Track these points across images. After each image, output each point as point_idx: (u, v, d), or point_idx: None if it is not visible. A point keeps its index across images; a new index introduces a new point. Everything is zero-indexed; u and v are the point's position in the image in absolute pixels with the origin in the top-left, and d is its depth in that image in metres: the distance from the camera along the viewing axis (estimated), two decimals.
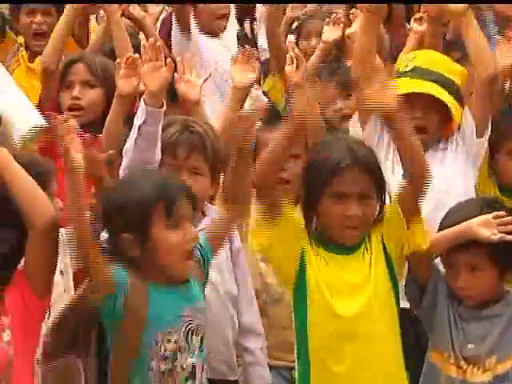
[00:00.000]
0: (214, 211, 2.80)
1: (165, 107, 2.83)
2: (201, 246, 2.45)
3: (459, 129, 3.21)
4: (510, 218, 2.51)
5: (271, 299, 3.00)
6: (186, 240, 2.35)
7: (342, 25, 4.10)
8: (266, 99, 4.54)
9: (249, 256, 2.97)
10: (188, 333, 2.37)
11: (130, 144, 2.82)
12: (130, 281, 2.32)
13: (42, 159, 2.63)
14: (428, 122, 3.13)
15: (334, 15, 4.26)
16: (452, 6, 3.20)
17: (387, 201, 2.62)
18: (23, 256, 2.27)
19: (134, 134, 2.80)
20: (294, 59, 3.42)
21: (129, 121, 3.16)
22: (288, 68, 3.44)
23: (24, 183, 2.26)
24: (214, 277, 2.69)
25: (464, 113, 3.19)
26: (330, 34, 4.08)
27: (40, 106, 3.63)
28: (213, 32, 4.55)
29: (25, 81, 4.09)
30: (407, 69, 3.14)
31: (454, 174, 3.12)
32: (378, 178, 2.56)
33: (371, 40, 3.15)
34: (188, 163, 2.76)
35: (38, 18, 4.32)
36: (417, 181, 2.58)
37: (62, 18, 3.97)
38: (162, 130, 2.80)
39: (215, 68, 4.16)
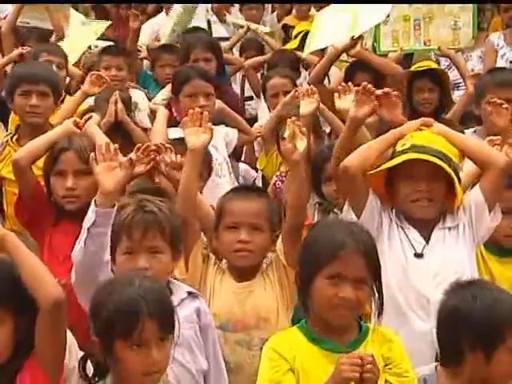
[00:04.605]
0: (180, 287, 2.82)
1: (116, 207, 2.75)
2: None
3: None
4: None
5: (229, 367, 2.91)
6: (145, 363, 2.26)
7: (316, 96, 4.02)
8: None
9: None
10: None
11: (79, 246, 2.74)
12: None
13: None
14: (433, 193, 3.09)
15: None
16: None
17: None
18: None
19: (82, 236, 2.73)
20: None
21: None
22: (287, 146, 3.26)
23: (31, 265, 2.27)
24: (186, 357, 2.69)
25: (473, 192, 3.18)
26: (306, 107, 3.97)
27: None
28: None
29: None
30: (405, 147, 3.12)
31: (464, 260, 3.08)
32: (373, 263, 2.51)
33: None
34: (145, 243, 2.70)
35: (34, 100, 4.21)
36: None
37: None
38: (117, 212, 2.75)
39: None
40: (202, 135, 3.24)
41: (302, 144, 3.17)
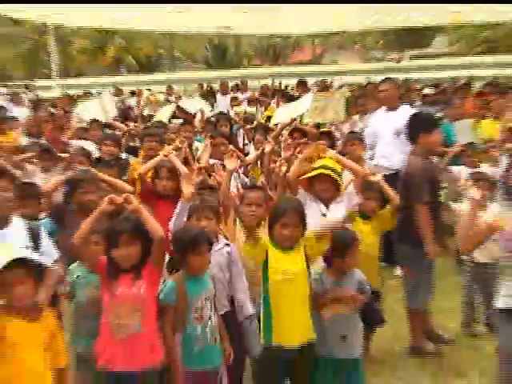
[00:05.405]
0: (222, 239, 2.76)
1: (192, 202, 2.71)
2: None
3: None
4: None
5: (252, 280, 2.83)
6: (201, 262, 2.35)
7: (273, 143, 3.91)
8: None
9: (243, 256, 2.87)
10: (205, 299, 2.38)
11: (175, 215, 2.75)
12: (176, 284, 2.33)
13: None
14: (330, 188, 3.09)
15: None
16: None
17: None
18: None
19: (176, 210, 2.78)
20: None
21: None
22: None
23: (150, 220, 2.28)
24: (219, 274, 2.61)
25: (349, 187, 3.21)
26: (268, 148, 3.89)
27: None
28: None
29: None
30: (318, 165, 3.11)
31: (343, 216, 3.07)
32: (303, 217, 2.51)
33: None
34: (204, 214, 2.65)
35: (153, 144, 4.15)
36: None
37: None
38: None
39: None
40: (234, 163, 3.25)
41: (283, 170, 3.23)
